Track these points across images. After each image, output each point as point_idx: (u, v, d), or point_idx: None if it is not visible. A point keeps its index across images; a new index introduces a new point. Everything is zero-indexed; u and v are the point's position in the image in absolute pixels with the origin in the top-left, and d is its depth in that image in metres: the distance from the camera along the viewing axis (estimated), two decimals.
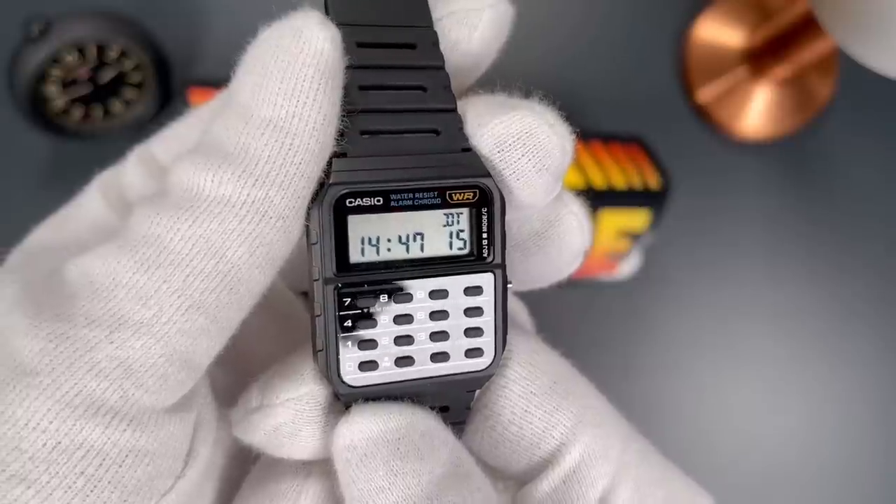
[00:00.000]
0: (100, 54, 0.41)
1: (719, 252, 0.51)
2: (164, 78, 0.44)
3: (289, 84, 0.14)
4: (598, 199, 0.44)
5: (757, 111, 0.52)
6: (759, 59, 0.51)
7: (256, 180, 0.14)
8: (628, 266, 0.48)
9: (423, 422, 0.16)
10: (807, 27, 0.45)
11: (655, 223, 0.46)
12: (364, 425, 0.16)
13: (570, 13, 0.51)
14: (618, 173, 0.45)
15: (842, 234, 0.52)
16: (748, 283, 0.51)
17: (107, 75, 0.42)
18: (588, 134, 0.46)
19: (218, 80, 0.43)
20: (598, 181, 0.44)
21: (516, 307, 0.21)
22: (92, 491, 0.14)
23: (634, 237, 0.46)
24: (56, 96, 0.42)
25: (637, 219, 0.45)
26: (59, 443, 0.14)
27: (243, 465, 0.18)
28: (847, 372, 0.51)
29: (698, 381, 0.50)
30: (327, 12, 0.16)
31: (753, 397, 0.51)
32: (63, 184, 0.45)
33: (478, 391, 0.18)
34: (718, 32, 0.52)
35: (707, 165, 0.51)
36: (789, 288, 0.51)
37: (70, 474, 0.14)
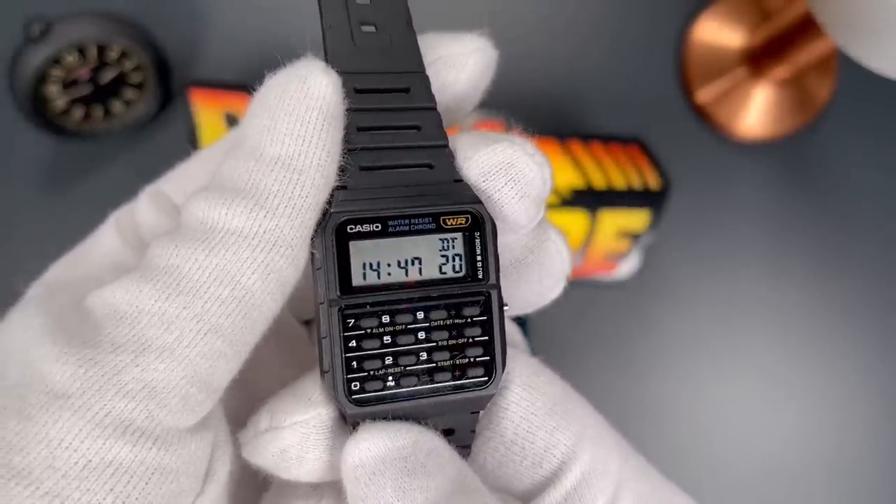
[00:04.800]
0: (100, 55, 0.42)
1: (719, 252, 0.51)
2: (164, 78, 0.44)
3: (295, 125, 0.16)
4: (598, 199, 0.44)
5: (756, 111, 0.52)
6: (758, 59, 0.51)
7: (267, 212, 0.15)
8: (628, 266, 0.48)
9: (429, 440, 0.17)
10: (806, 28, 0.46)
11: (655, 223, 0.46)
12: (372, 443, 0.16)
13: (570, 13, 0.51)
14: (618, 173, 0.45)
15: (841, 233, 0.52)
16: (748, 283, 0.51)
17: (107, 76, 0.42)
18: (588, 134, 0.46)
19: (218, 81, 0.43)
20: (598, 181, 0.44)
21: (511, 329, 0.21)
22: None
23: (634, 237, 0.46)
24: (57, 96, 0.42)
25: (637, 219, 0.45)
26: (90, 461, 0.14)
27: (256, 489, 0.19)
28: (847, 371, 0.51)
29: (698, 380, 0.50)
30: (327, 62, 0.17)
31: (753, 396, 0.51)
32: (63, 184, 0.45)
33: (481, 412, 0.18)
34: (718, 33, 0.52)
35: (707, 165, 0.51)
36: (789, 287, 0.52)
37: (100, 491, 0.14)
